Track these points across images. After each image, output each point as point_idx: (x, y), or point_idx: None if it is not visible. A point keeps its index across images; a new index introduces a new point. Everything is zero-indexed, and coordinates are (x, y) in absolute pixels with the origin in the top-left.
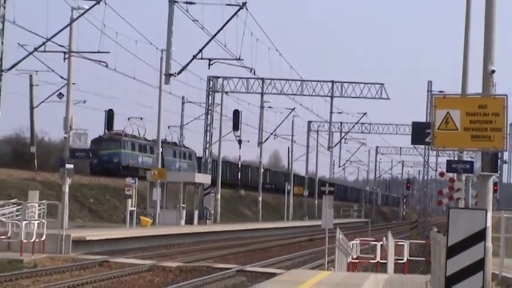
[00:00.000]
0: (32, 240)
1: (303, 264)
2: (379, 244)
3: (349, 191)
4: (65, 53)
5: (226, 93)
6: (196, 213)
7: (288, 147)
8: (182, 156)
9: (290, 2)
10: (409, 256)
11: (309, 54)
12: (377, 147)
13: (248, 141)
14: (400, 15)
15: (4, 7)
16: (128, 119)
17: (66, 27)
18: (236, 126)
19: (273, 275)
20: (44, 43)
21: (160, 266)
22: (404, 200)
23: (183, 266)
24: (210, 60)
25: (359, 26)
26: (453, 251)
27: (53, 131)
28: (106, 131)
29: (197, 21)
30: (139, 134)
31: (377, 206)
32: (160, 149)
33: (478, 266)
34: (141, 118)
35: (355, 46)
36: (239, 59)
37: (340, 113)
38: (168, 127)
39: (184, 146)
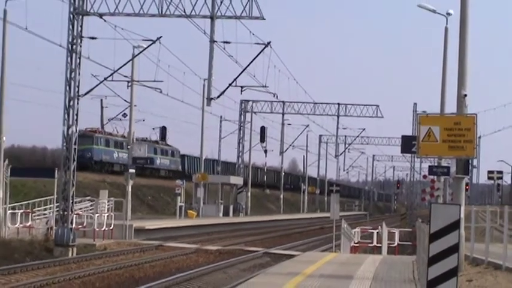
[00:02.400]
0: (103, 229)
1: (316, 247)
2: (375, 231)
3: (351, 189)
4: (128, 81)
5: (255, 113)
6: (231, 207)
7: (303, 156)
8: (164, 153)
9: (304, 41)
10: (399, 241)
11: (320, 81)
12: (373, 155)
13: (272, 150)
14: (392, 50)
15: (80, 46)
16: (153, 128)
17: (129, 61)
18: (262, 139)
19: (292, 256)
20: (111, 74)
21: (203, 249)
22: (395, 197)
23: (221, 249)
24: (242, 87)
25: (360, 57)
26: (434, 237)
27: None
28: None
29: (232, 56)
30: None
31: (374, 202)
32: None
33: (454, 249)
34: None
35: (357, 74)
36: (265, 86)
37: (344, 128)
38: (153, 128)
39: (167, 144)
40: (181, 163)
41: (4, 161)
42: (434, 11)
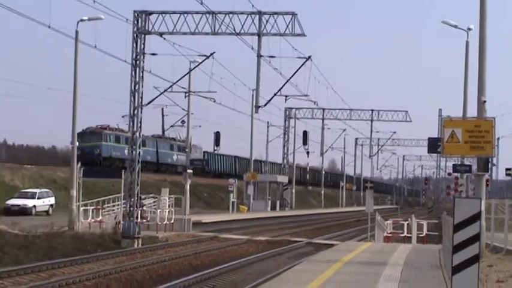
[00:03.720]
0: (164, 222)
1: (353, 237)
2: (406, 223)
3: (384, 186)
4: (185, 92)
5: (297, 119)
6: (278, 202)
7: (341, 157)
8: (182, 150)
9: (341, 54)
10: (427, 231)
11: (355, 90)
12: (403, 155)
13: (313, 152)
14: (421, 61)
15: (143, 61)
16: (171, 126)
17: (186, 74)
18: (305, 142)
19: (332, 245)
20: (171, 86)
21: (254, 240)
22: (423, 192)
23: (269, 239)
24: (286, 96)
25: (391, 67)
26: (457, 227)
27: None
28: (215, 147)
29: (276, 69)
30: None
31: (404, 197)
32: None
33: (475, 238)
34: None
35: (388, 82)
36: (306, 95)
37: (377, 132)
38: (171, 126)
39: (183, 141)
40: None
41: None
42: (456, 27)
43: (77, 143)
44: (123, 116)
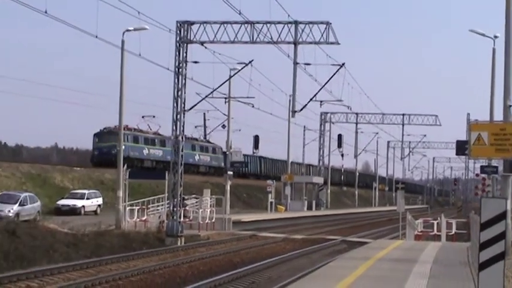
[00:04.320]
0: (206, 221)
1: (385, 235)
2: (435, 222)
3: (415, 186)
4: (225, 98)
5: (332, 123)
6: (314, 202)
7: (374, 159)
8: (204, 150)
9: (373, 61)
10: (456, 230)
11: (387, 95)
12: (434, 157)
13: (347, 154)
14: (450, 66)
15: (185, 69)
16: (195, 126)
17: (226, 81)
18: (339, 144)
19: (365, 243)
20: (211, 92)
21: (290, 238)
22: (453, 192)
23: (305, 237)
24: (321, 101)
25: (420, 73)
26: (484, 226)
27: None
28: (254, 150)
29: (312, 75)
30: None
31: (434, 197)
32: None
33: (501, 236)
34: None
35: (419, 88)
36: (340, 100)
37: (408, 135)
38: (196, 127)
39: (208, 141)
40: (225, 160)
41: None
42: (483, 35)
43: (96, 144)
44: (143, 117)
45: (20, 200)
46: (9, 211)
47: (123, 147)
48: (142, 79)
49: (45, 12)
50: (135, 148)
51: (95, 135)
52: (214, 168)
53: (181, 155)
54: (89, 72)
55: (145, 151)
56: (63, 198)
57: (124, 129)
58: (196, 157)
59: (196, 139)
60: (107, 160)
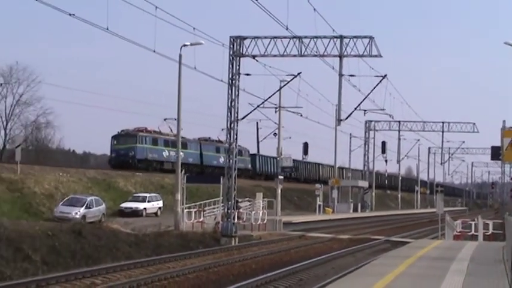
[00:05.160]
0: (258, 223)
1: (425, 235)
2: (473, 223)
3: (455, 190)
4: (275, 107)
5: (376, 130)
6: (359, 205)
7: (416, 164)
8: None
9: (414, 72)
10: (493, 230)
11: (427, 104)
12: (472, 162)
13: (391, 160)
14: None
15: (238, 81)
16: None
17: (276, 92)
18: (383, 151)
19: (407, 242)
20: (263, 102)
21: (337, 238)
22: (490, 195)
23: (351, 237)
24: (365, 110)
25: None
26: None
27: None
28: (303, 156)
29: (356, 86)
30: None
31: (473, 199)
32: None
33: None
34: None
35: (457, 96)
36: (383, 109)
37: (448, 141)
38: (222, 129)
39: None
40: (253, 162)
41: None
42: None
43: (113, 146)
44: (165, 119)
45: (86, 203)
46: (77, 213)
47: (139, 148)
48: (195, 90)
49: (107, 28)
50: (153, 150)
51: (113, 137)
52: (241, 170)
53: (235, 161)
54: (146, 84)
55: (165, 153)
56: (126, 201)
57: (143, 131)
58: (221, 159)
59: (221, 141)
60: (124, 162)
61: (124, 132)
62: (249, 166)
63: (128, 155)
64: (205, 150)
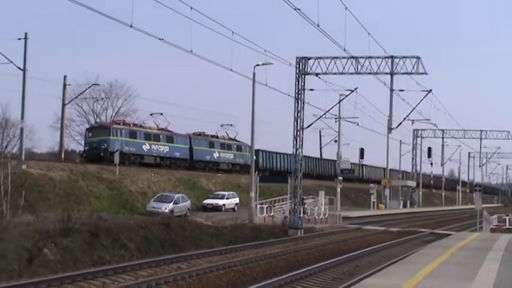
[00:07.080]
0: (320, 217)
1: (465, 228)
2: (508, 218)
3: (492, 189)
4: (336, 118)
5: (423, 138)
6: (408, 202)
7: (458, 167)
8: (226, 147)
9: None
10: None
11: (466, 113)
12: (507, 165)
13: (436, 163)
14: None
15: (303, 95)
16: (221, 125)
17: (336, 104)
18: (429, 155)
19: (449, 234)
20: (324, 113)
21: (388, 230)
22: None
23: (400, 230)
24: (412, 120)
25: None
26: None
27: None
28: (360, 159)
29: (404, 99)
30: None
31: (508, 197)
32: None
33: None
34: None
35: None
36: (428, 119)
37: (485, 147)
38: (221, 125)
39: (231, 138)
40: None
41: None
42: None
43: (87, 138)
44: (151, 114)
45: (174, 200)
46: (166, 208)
47: (112, 141)
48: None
49: (191, 51)
50: (130, 143)
51: (87, 130)
52: (240, 165)
53: (301, 164)
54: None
55: (146, 146)
56: (208, 198)
57: (119, 123)
58: (215, 154)
59: (216, 136)
60: (97, 155)
61: (98, 125)
62: (249, 162)
63: (100, 148)
64: (195, 145)
